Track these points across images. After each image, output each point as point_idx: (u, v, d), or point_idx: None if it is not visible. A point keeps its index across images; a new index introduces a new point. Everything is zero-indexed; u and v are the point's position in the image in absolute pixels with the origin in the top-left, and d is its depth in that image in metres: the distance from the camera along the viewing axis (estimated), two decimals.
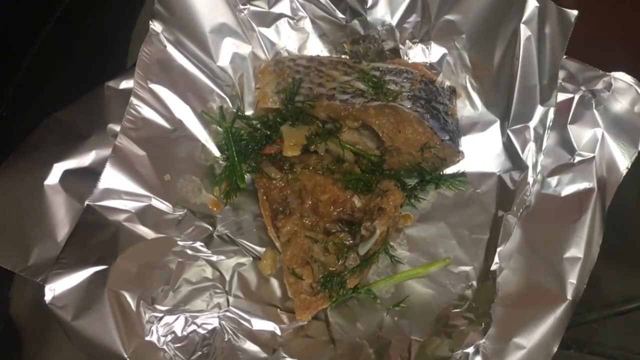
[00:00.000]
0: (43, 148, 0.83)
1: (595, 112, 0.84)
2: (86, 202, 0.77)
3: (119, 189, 0.79)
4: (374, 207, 0.78)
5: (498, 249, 0.77)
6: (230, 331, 0.78)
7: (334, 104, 0.83)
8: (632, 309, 0.83)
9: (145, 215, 0.80)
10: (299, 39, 0.95)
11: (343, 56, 0.95)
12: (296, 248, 0.76)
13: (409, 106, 0.82)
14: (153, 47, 0.83)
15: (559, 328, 0.74)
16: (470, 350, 0.74)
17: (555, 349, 0.73)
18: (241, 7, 0.92)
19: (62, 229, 0.79)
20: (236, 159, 0.88)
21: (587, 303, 0.77)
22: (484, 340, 0.74)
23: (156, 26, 0.84)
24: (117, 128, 0.81)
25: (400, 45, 0.95)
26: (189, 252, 0.82)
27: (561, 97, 0.84)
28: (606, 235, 0.78)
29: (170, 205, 0.83)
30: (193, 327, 0.78)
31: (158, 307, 0.77)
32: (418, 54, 0.94)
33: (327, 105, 0.83)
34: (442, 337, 0.76)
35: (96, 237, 0.77)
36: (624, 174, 0.81)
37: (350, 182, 0.81)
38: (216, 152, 0.89)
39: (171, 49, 0.85)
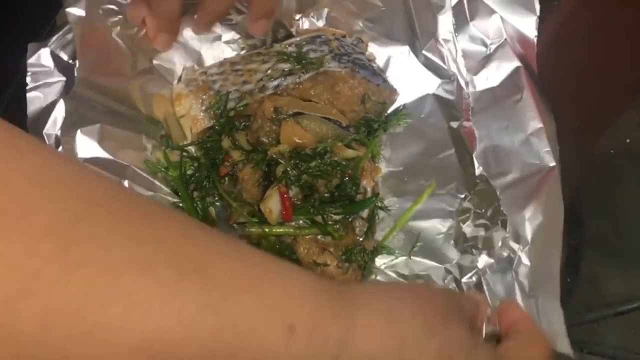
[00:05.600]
0: None
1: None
2: None
3: None
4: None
5: (473, 154, 0.81)
6: None
7: (268, 94, 0.81)
8: (632, 309, 0.83)
9: None
10: (193, 56, 0.90)
11: (243, 52, 0.92)
12: (305, 242, 0.74)
13: (336, 65, 0.83)
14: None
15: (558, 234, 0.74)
16: None
17: (557, 349, 0.71)
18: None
19: None
20: (190, 199, 0.82)
21: (587, 303, 0.79)
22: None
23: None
24: None
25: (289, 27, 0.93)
26: None
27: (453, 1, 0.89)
28: (606, 235, 0.81)
29: None
30: None
31: None
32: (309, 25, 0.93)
33: (262, 100, 0.80)
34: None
35: None
36: (535, 41, 0.86)
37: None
38: (173, 198, 0.82)
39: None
